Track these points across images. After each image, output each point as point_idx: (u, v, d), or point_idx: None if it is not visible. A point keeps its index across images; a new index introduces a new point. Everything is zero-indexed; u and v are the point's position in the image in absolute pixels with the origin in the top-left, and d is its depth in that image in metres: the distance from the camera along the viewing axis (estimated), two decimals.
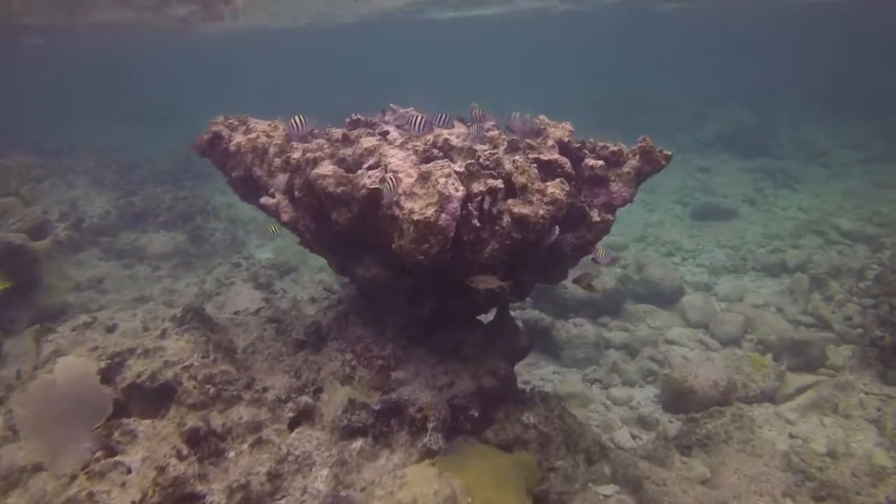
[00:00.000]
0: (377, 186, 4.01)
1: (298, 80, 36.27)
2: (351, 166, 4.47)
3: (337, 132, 5.07)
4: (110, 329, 7.57)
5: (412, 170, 4.13)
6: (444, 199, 3.79)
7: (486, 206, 4.04)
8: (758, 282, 9.79)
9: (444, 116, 4.82)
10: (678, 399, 6.53)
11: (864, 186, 13.13)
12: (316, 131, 5.34)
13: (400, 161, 4.22)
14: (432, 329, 5.34)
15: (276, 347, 5.97)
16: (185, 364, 5.26)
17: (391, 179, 4.08)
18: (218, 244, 10.56)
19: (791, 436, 5.93)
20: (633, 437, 6.28)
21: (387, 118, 5.93)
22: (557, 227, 4.13)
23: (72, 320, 7.62)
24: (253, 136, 5.13)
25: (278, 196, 4.74)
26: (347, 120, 5.66)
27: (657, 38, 35.60)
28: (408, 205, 3.91)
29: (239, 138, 5.21)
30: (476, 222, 3.95)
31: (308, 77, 37.00)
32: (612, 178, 4.64)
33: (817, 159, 15.31)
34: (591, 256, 4.83)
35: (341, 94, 29.60)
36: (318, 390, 5.25)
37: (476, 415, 5.13)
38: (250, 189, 5.27)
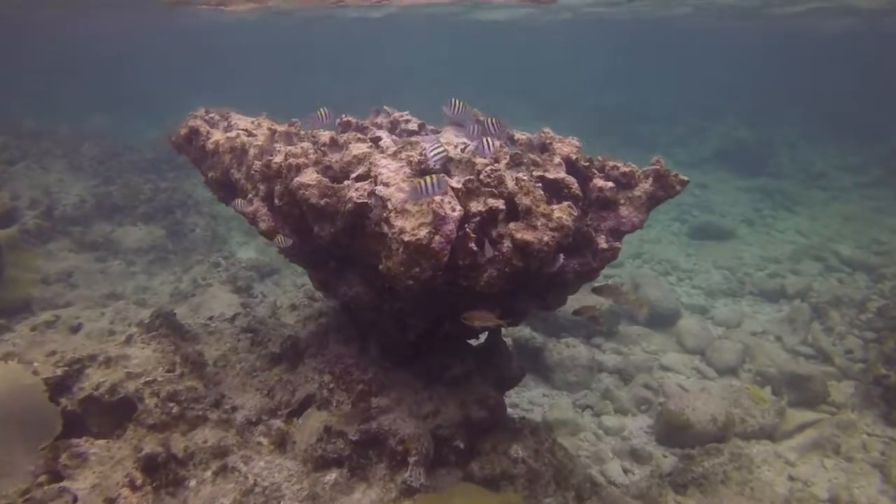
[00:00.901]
0: (365, 201, 3.61)
1: (300, 70, 35.63)
2: (337, 175, 4.07)
3: (325, 135, 4.67)
4: (74, 329, 7.10)
5: (405, 183, 3.74)
6: (438, 220, 3.40)
7: (485, 228, 3.67)
8: (755, 307, 9.52)
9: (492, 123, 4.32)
10: (673, 432, 6.20)
11: (863, 212, 12.95)
12: (302, 133, 4.94)
13: (392, 173, 3.83)
14: (419, 351, 4.95)
15: (249, 361, 5.57)
16: (148, 378, 4.83)
17: (380, 195, 3.69)
18: (198, 240, 10.09)
19: (791, 478, 5.62)
20: (626, 471, 5.94)
21: (379, 120, 5.54)
22: (562, 256, 3.76)
23: (32, 318, 7.14)
24: (233, 134, 4.71)
25: (257, 203, 4.33)
26: (337, 121, 5.26)
27: (658, 47, 35.51)
28: (398, 223, 3.52)
29: (217, 136, 4.79)
30: (473, 246, 3.57)
31: (307, 68, 36.37)
32: (622, 201, 4.29)
33: (816, 181, 15.14)
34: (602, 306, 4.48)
35: (340, 86, 29.11)
36: (292, 413, 4.85)
37: (461, 446, 4.76)
38: (228, 192, 4.85)
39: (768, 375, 7.17)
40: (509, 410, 5.51)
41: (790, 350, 7.94)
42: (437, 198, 3.47)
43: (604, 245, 4.13)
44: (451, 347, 5.10)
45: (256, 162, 4.33)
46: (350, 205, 3.64)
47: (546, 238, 3.48)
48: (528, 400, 7.19)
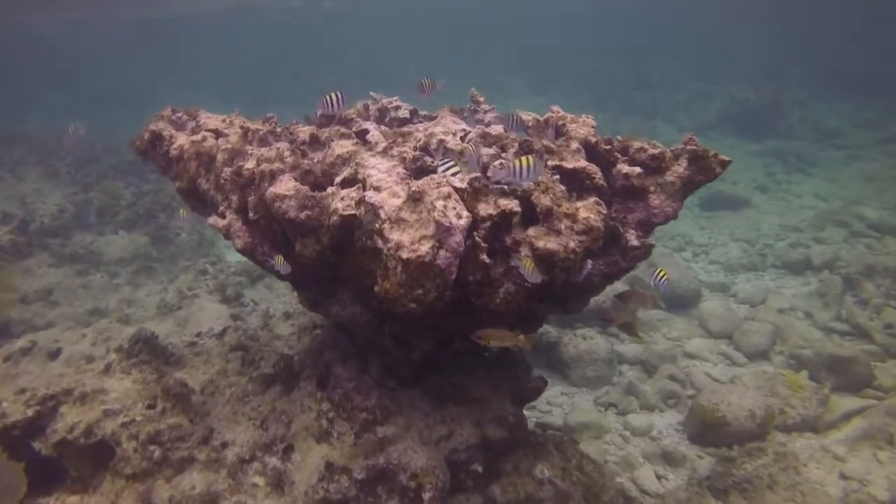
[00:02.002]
0: (353, 213, 3.03)
1: (282, 57, 34.50)
2: (320, 180, 3.47)
3: (304, 131, 4.06)
4: (53, 355, 6.57)
5: (399, 186, 3.15)
6: (442, 231, 2.82)
7: (497, 235, 3.09)
8: (779, 281, 8.96)
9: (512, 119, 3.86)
10: (707, 430, 5.70)
11: (884, 170, 12.28)
12: (278, 130, 4.32)
13: (383, 174, 3.24)
14: (426, 367, 4.41)
15: (240, 385, 5.03)
16: (126, 418, 4.31)
17: (371, 202, 3.10)
18: (184, 245, 9.50)
19: (843, 476, 5.12)
20: (659, 477, 5.44)
21: (366, 109, 4.91)
22: (590, 262, 3.19)
23: (7, 345, 6.60)
24: (198, 137, 4.09)
25: (230, 216, 3.74)
26: (318, 113, 4.63)
27: (656, 9, 34.39)
28: (394, 236, 2.94)
29: (181, 140, 4.17)
30: (485, 257, 2.99)
31: (291, 55, 35.24)
32: (652, 188, 3.69)
33: (831, 140, 14.43)
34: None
35: (322, 72, 28.17)
36: (289, 448, 4.33)
37: (479, 470, 4.26)
38: (200, 203, 4.26)
39: (803, 358, 6.64)
40: (526, 413, 5.00)
41: (823, 327, 7.40)
42: (439, 203, 2.88)
43: (634, 242, 3.55)
44: (463, 360, 4.56)
45: (226, 169, 3.73)
46: (335, 218, 3.05)
47: (572, 244, 2.90)
48: (545, 400, 6.68)
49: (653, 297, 4.06)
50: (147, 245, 9.39)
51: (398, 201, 3.07)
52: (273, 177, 3.31)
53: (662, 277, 3.61)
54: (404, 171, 3.24)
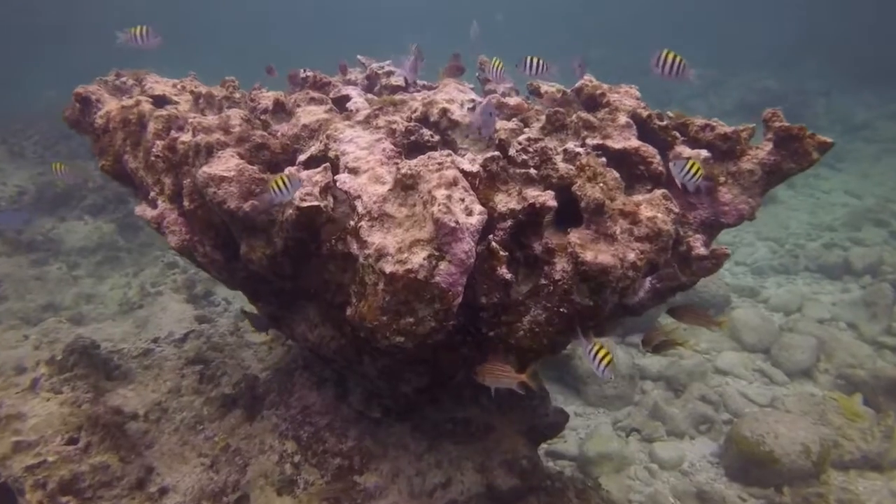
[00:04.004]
0: (314, 204, 2.11)
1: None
2: (278, 156, 2.55)
3: (267, 97, 3.13)
4: None
5: (384, 168, 2.23)
6: (444, 233, 1.91)
7: (523, 238, 2.18)
8: (815, 286, 8.07)
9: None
10: (751, 467, 4.82)
11: None
12: (237, 96, 3.38)
13: (363, 151, 2.32)
14: (420, 400, 3.52)
15: (194, 408, 4.14)
16: (34, 461, 3.40)
17: (345, 189, 2.18)
18: (154, 234, 8.54)
19: None
20: None
21: (352, 76, 3.97)
22: (649, 280, 2.28)
23: None
24: (129, 102, 3.15)
25: (162, 204, 2.82)
26: (301, 75, 3.71)
27: None
28: (375, 238, 2.03)
29: (110, 106, 3.23)
30: (504, 271, 2.08)
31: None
32: (722, 178, 2.77)
33: (859, 133, 13.47)
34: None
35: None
36: (243, 500, 3.44)
37: None
38: (133, 188, 3.33)
39: (856, 380, 5.76)
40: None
41: (872, 342, 6.52)
42: (441, 192, 1.97)
43: (700, 250, 2.63)
44: (464, 388, 3.67)
45: (158, 142, 2.80)
46: (291, 211, 2.13)
47: (632, 256, 1.99)
48: None
49: (712, 317, 3.17)
50: (113, 233, 8.43)
51: (382, 189, 2.15)
52: (210, 152, 2.39)
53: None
54: (392, 147, 2.32)
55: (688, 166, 2.40)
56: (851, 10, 25.03)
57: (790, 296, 7.68)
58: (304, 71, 3.66)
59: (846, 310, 7.20)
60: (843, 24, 23.57)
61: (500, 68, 3.38)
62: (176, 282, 6.94)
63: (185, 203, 2.61)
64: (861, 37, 20.84)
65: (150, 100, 3.24)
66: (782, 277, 8.39)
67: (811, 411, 5.40)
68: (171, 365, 4.67)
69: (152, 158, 2.80)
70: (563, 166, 2.20)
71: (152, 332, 5.94)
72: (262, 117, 3.08)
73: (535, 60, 2.77)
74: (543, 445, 5.51)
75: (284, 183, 2.02)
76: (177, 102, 3.49)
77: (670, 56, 2.54)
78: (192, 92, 3.50)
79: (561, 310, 2.09)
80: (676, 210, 2.13)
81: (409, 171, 2.06)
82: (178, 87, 3.75)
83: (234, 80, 3.56)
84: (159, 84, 3.78)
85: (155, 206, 2.86)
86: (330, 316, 2.54)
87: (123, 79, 4.07)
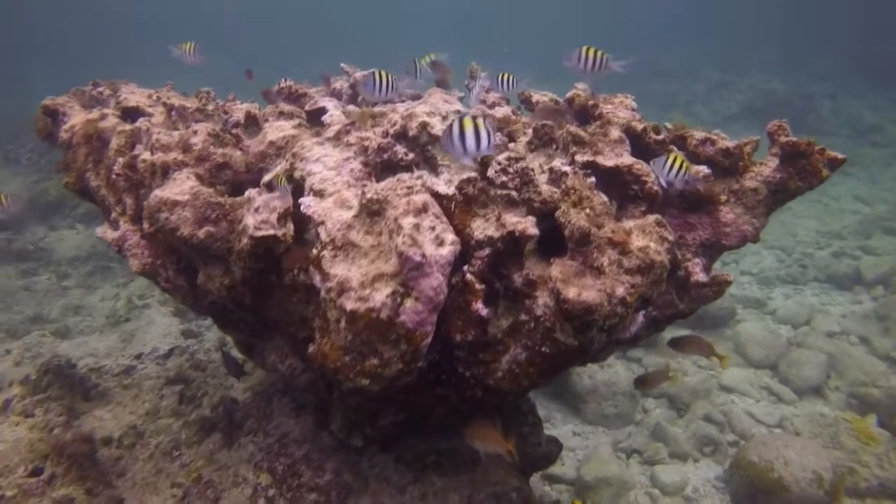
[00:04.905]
0: (271, 233, 1.91)
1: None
2: (241, 175, 2.36)
3: (239, 110, 2.95)
4: None
5: (351, 191, 2.04)
6: (410, 268, 1.71)
7: (501, 268, 1.98)
8: (824, 297, 7.81)
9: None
10: (759, 495, 4.58)
11: None
12: (210, 108, 3.20)
13: (330, 172, 2.12)
14: (402, 432, 3.31)
15: (172, 432, 3.96)
16: None
17: (309, 213, 1.98)
18: None
19: None
20: None
21: (338, 86, 3.78)
22: (642, 315, 2.07)
23: None
24: (94, 115, 2.98)
25: (123, 226, 2.63)
26: (275, 88, 3.53)
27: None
28: (338, 270, 1.83)
29: (75, 119, 3.06)
30: (480, 307, 1.88)
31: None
32: (724, 197, 2.56)
33: (867, 137, 13.18)
34: None
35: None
36: None
37: None
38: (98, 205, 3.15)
39: (870, 399, 5.51)
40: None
41: (885, 357, 6.26)
42: (408, 220, 1.77)
43: (700, 276, 2.42)
44: (450, 417, 3.46)
45: (119, 159, 2.62)
46: (246, 241, 1.94)
47: (621, 291, 1.78)
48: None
49: (715, 350, 2.96)
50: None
51: (347, 215, 1.96)
52: (166, 172, 2.20)
53: None
54: (361, 167, 2.12)
55: (670, 162, 2.25)
56: (860, 9, 24.70)
57: (798, 307, 7.43)
58: (284, 81, 3.48)
59: (857, 323, 6.95)
60: (851, 23, 23.24)
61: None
62: (164, 294, 6.77)
63: (146, 225, 2.42)
64: (868, 37, 20.51)
65: (118, 113, 3.06)
66: (790, 288, 8.13)
67: (822, 433, 5.17)
68: (151, 384, 4.50)
69: (113, 177, 2.62)
70: (546, 189, 2.00)
71: (137, 348, 5.76)
72: (234, 131, 2.90)
73: (506, 77, 2.61)
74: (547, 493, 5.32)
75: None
76: (151, 114, 3.32)
77: (591, 52, 2.50)
78: (164, 104, 3.32)
79: (543, 349, 1.88)
80: (671, 238, 1.92)
81: (374, 196, 1.86)
82: (154, 97, 3.58)
83: (209, 92, 3.38)
84: (134, 95, 3.60)
85: (117, 228, 2.68)
86: (297, 350, 2.34)
87: (100, 89, 3.91)
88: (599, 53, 2.54)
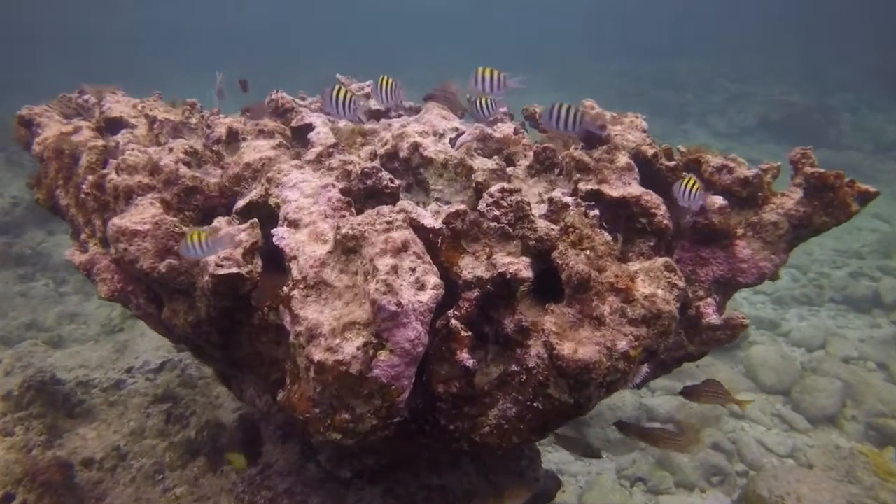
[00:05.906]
0: (234, 271, 1.73)
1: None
2: (214, 200, 2.19)
3: (222, 124, 2.77)
4: None
5: (327, 223, 1.85)
6: (384, 317, 1.52)
7: (491, 312, 1.78)
8: (840, 319, 7.52)
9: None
10: None
11: None
12: (193, 121, 3.03)
13: (307, 200, 1.94)
14: (392, 461, 3.12)
15: (156, 454, 3.80)
16: None
17: (282, 245, 1.80)
18: None
19: None
20: None
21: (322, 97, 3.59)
22: (647, 367, 1.87)
23: None
24: (67, 128, 2.82)
25: (93, 248, 2.47)
26: (267, 100, 3.35)
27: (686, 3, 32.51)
28: (309, 313, 1.65)
29: (48, 132, 2.90)
30: (465, 356, 1.69)
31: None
32: (741, 230, 2.34)
33: (890, 152, 12.82)
34: None
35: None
36: None
37: None
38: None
39: (887, 431, 5.25)
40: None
41: None
42: (384, 261, 1.58)
43: (712, 318, 2.21)
44: (442, 453, 3.26)
45: (89, 177, 2.45)
46: (207, 278, 1.76)
47: (623, 345, 1.58)
48: (555, 467, 5.35)
49: (732, 395, 2.74)
50: None
51: (322, 250, 1.77)
52: (129, 197, 2.03)
53: None
54: (340, 196, 1.93)
55: (687, 185, 2.14)
56: (881, 20, 24.25)
57: (813, 330, 7.15)
58: (275, 92, 3.31)
59: (876, 348, 6.66)
60: (871, 34, 22.81)
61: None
62: None
63: (112, 250, 2.25)
64: (889, 48, 20.10)
65: (94, 126, 2.90)
66: (805, 309, 7.84)
67: (837, 466, 4.90)
68: (138, 402, 4.34)
69: (82, 196, 2.45)
70: (542, 226, 1.80)
71: (128, 360, 5.60)
72: (216, 147, 2.73)
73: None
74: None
75: (200, 240, 1.66)
76: (134, 126, 3.16)
77: (487, 72, 2.36)
78: (146, 116, 3.16)
79: (535, 405, 1.68)
80: (682, 285, 1.71)
81: (349, 232, 1.67)
82: (139, 107, 3.42)
83: (194, 103, 3.21)
84: (119, 105, 3.44)
85: (86, 250, 2.51)
86: (270, 390, 2.16)
87: (86, 97, 3.75)
88: (496, 73, 2.39)
